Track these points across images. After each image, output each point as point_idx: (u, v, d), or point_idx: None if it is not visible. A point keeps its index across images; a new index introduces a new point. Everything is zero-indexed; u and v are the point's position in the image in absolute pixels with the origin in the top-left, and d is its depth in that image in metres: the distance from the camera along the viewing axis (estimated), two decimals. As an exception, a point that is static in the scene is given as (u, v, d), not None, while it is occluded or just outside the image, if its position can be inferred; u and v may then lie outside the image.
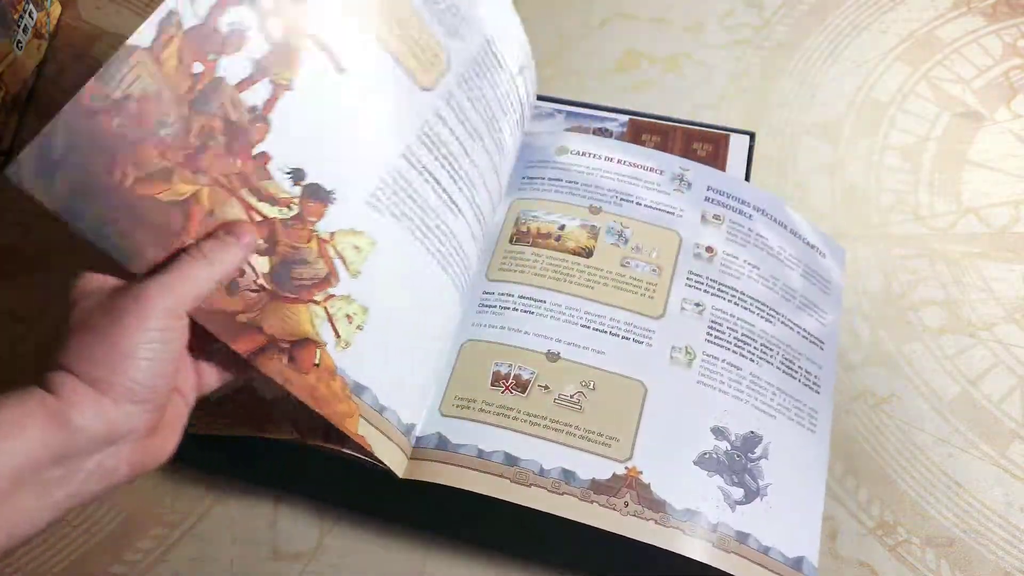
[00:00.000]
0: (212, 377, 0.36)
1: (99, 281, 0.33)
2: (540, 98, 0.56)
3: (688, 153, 0.54)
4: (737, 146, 0.54)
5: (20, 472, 0.28)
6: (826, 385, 0.47)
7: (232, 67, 0.33)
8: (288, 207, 0.35)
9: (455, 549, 0.46)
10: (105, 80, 0.29)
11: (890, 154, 0.59)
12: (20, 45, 0.59)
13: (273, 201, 0.34)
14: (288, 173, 0.35)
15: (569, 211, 0.48)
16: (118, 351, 0.30)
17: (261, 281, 0.34)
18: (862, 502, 0.48)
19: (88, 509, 0.47)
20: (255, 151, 0.34)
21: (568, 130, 0.55)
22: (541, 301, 0.45)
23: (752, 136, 0.54)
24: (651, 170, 0.50)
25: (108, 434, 0.30)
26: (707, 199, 0.50)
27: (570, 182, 0.50)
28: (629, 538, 0.40)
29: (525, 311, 0.45)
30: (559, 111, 0.55)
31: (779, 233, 0.50)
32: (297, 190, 0.35)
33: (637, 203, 0.49)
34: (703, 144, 0.54)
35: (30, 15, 0.60)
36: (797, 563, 0.41)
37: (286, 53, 0.34)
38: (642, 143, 0.54)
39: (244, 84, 0.33)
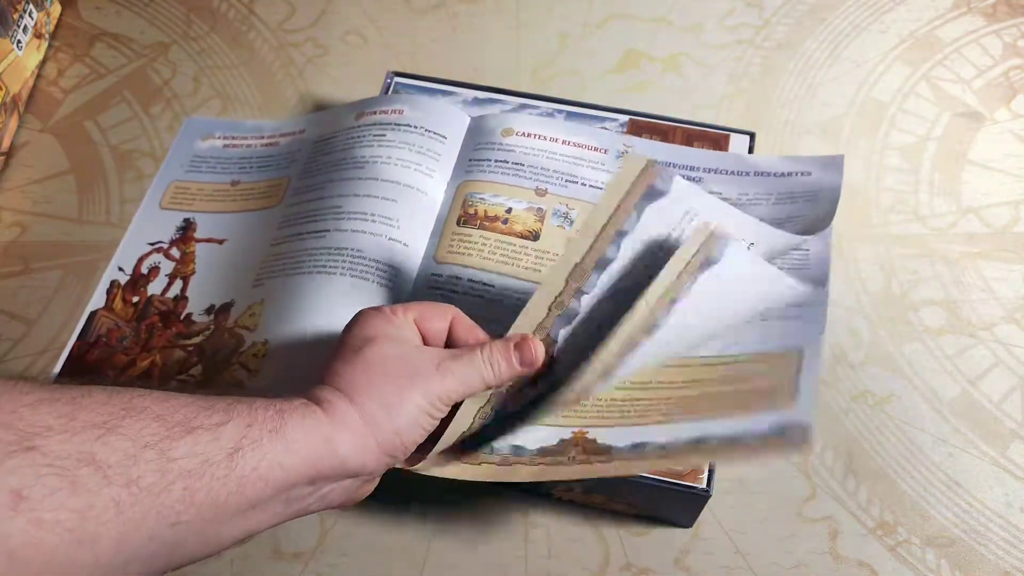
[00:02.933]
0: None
1: (399, 331, 0.35)
2: (540, 98, 0.56)
3: (688, 153, 0.54)
4: (737, 146, 0.54)
5: (287, 484, 0.30)
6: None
7: (155, 285, 0.50)
8: (207, 329, 0.48)
9: (456, 549, 0.46)
10: (83, 337, 0.48)
11: (890, 154, 0.59)
12: (20, 45, 0.59)
13: (199, 333, 0.48)
14: (203, 312, 0.49)
15: (516, 193, 0.49)
16: (405, 410, 0.33)
17: (198, 378, 0.46)
18: (862, 502, 0.48)
19: (88, 509, 0.47)
20: (182, 316, 0.49)
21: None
22: (490, 285, 0.46)
23: (752, 136, 0.54)
24: (595, 149, 0.51)
25: (357, 471, 0.32)
26: None
27: (516, 164, 0.50)
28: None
29: (476, 296, 0.45)
30: (559, 111, 0.55)
31: (735, 181, 0.50)
32: (211, 316, 0.48)
33: (582, 184, 0.49)
34: (703, 144, 0.54)
35: (30, 15, 0.60)
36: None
37: (183, 257, 0.51)
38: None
39: (166, 289, 0.50)
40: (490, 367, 0.36)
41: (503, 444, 0.41)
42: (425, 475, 0.41)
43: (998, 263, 0.55)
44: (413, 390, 0.33)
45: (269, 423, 0.30)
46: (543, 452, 0.41)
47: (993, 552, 0.46)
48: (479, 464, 0.41)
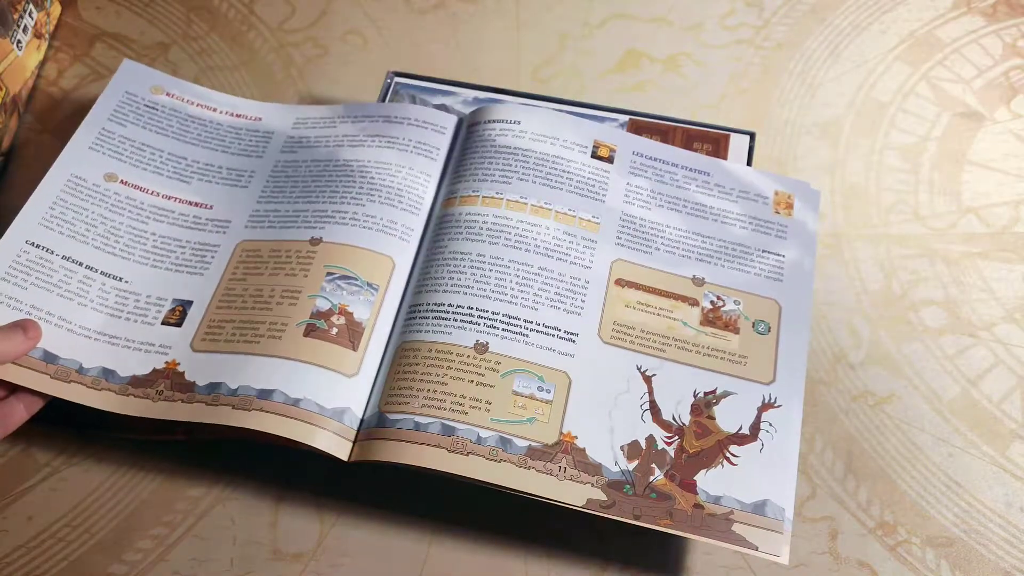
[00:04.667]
0: (20, 416, 0.44)
1: None
2: (540, 98, 0.56)
3: (688, 153, 0.54)
4: (737, 146, 0.54)
5: None
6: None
7: None
8: None
9: (455, 551, 0.46)
10: None
11: (890, 154, 0.59)
12: (20, 45, 0.59)
13: None
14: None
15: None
16: None
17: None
18: (862, 502, 0.48)
19: (88, 509, 0.47)
20: None
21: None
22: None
23: (752, 136, 0.54)
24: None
25: None
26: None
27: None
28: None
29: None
30: (559, 111, 0.55)
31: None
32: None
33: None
34: (703, 144, 0.54)
35: (30, 15, 0.60)
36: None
37: None
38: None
39: None
40: None
41: (491, 434, 0.42)
42: (422, 471, 0.41)
43: (998, 263, 0.55)
44: None
45: None
46: (533, 453, 0.41)
47: (993, 552, 0.46)
48: (467, 455, 0.41)
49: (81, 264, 0.48)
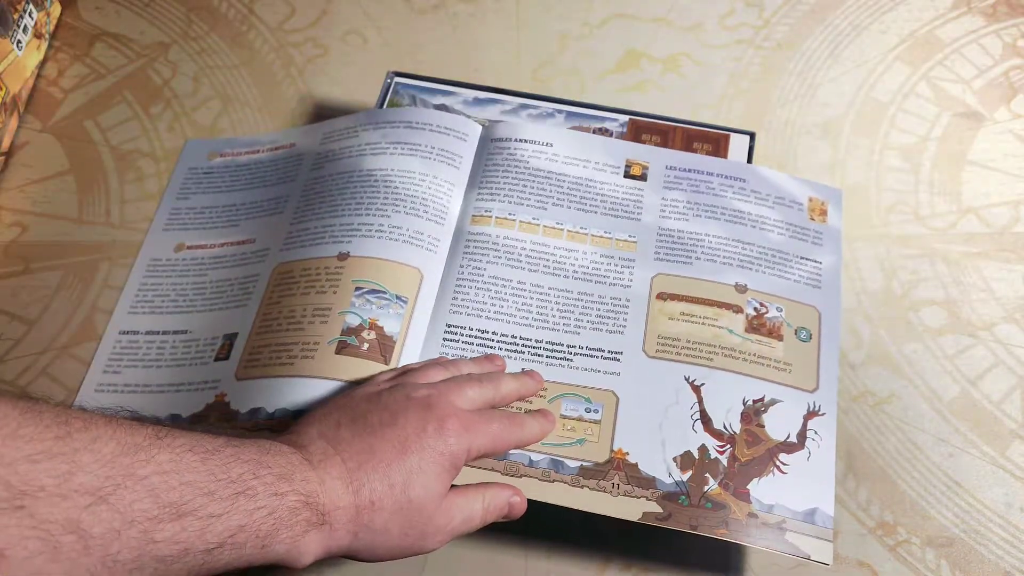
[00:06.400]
0: None
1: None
2: (540, 98, 0.56)
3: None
4: (737, 146, 0.54)
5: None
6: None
7: None
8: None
9: (455, 551, 0.46)
10: None
11: (890, 154, 0.59)
12: (20, 45, 0.59)
13: None
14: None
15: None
16: (391, 544, 0.37)
17: None
18: (862, 502, 0.48)
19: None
20: None
21: (569, 130, 0.55)
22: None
23: (752, 136, 0.54)
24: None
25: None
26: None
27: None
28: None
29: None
30: (559, 111, 0.55)
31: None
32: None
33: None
34: (703, 144, 0.54)
35: (30, 15, 0.60)
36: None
37: None
38: (642, 143, 0.54)
39: None
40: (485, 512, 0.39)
41: (542, 457, 0.41)
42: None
43: (998, 263, 0.55)
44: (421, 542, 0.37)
45: (262, 530, 0.31)
46: (585, 472, 0.41)
47: (993, 552, 0.46)
48: (520, 477, 0.41)
49: (159, 332, 0.51)
